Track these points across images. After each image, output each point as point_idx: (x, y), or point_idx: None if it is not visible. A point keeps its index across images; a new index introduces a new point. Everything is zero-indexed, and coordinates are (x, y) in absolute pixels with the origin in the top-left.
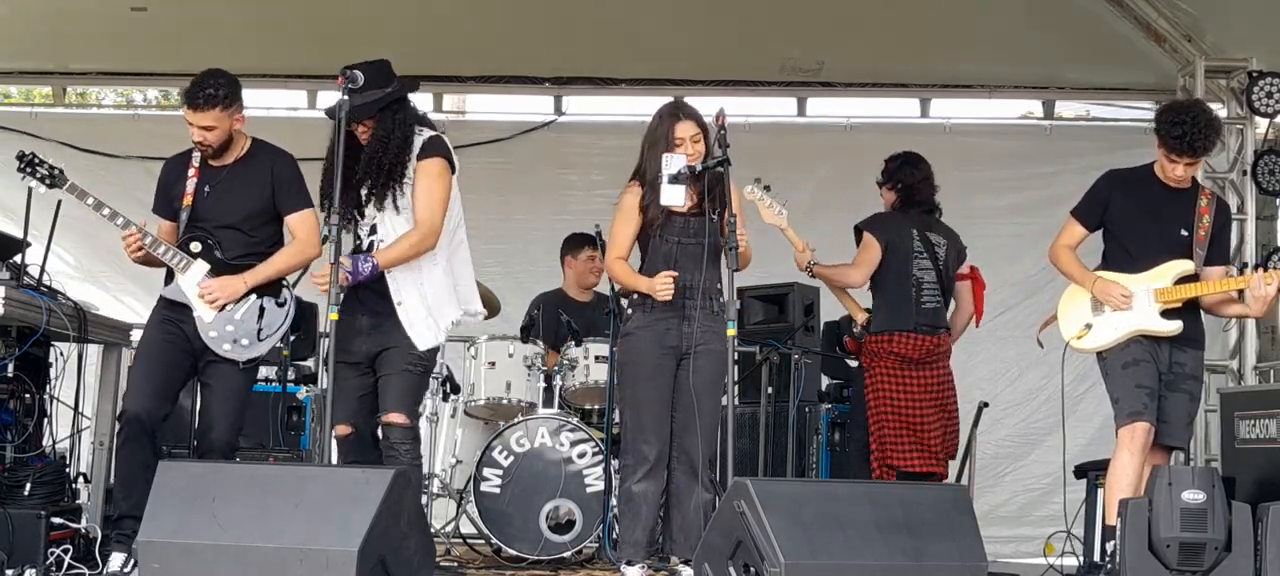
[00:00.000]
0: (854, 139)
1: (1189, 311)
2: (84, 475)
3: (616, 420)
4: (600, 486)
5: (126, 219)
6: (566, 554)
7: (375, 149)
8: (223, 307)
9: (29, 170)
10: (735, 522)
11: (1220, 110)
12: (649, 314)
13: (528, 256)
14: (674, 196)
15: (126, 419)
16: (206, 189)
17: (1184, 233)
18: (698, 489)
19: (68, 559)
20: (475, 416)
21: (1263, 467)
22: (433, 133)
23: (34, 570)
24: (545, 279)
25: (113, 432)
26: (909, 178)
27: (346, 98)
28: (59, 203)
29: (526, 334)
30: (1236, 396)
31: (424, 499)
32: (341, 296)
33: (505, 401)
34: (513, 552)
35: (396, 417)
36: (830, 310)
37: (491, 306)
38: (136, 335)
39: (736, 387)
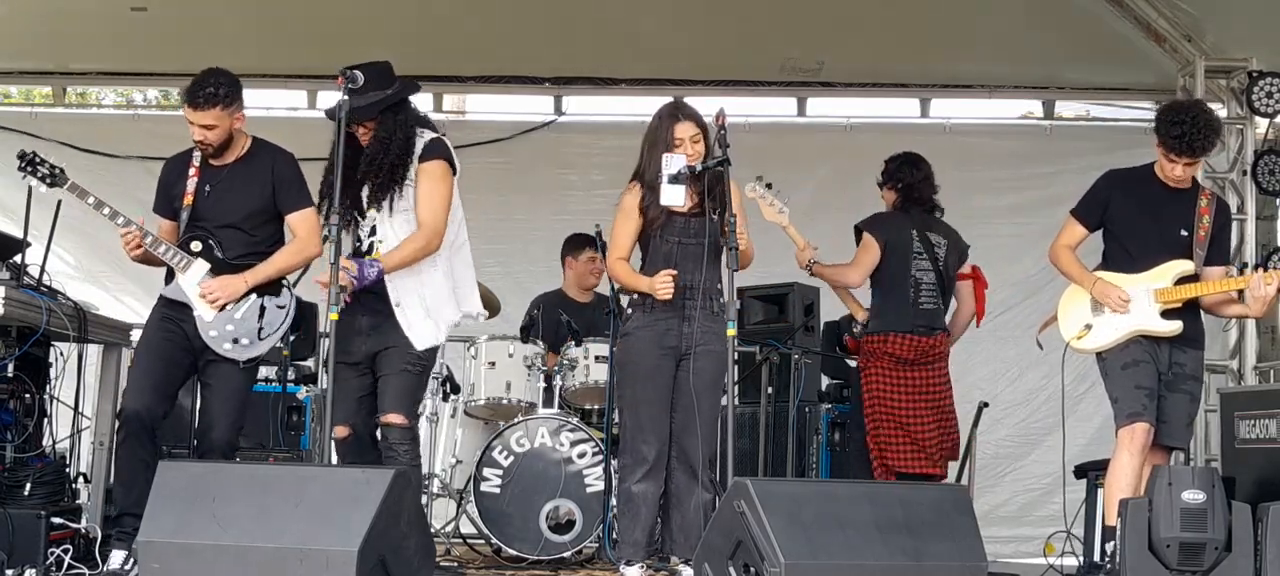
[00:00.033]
0: (854, 139)
1: (1189, 311)
2: (84, 475)
3: (616, 420)
4: (600, 486)
5: (126, 217)
6: (566, 554)
7: (376, 151)
8: (223, 307)
9: (30, 169)
10: (735, 522)
11: (1220, 110)
12: (649, 314)
13: (528, 256)
14: (674, 196)
15: (126, 416)
16: (207, 188)
17: (1184, 233)
18: (698, 489)
19: (68, 559)
20: (475, 416)
21: (1263, 467)
22: (434, 135)
23: (34, 570)
24: (545, 279)
25: (113, 432)
26: (909, 178)
27: (346, 98)
28: (59, 202)
29: (526, 334)
30: (1236, 396)
31: (424, 499)
32: (343, 297)
33: (505, 401)
34: (513, 552)
35: (395, 418)
36: (830, 310)
37: (491, 306)
38: (136, 335)
39: (736, 387)
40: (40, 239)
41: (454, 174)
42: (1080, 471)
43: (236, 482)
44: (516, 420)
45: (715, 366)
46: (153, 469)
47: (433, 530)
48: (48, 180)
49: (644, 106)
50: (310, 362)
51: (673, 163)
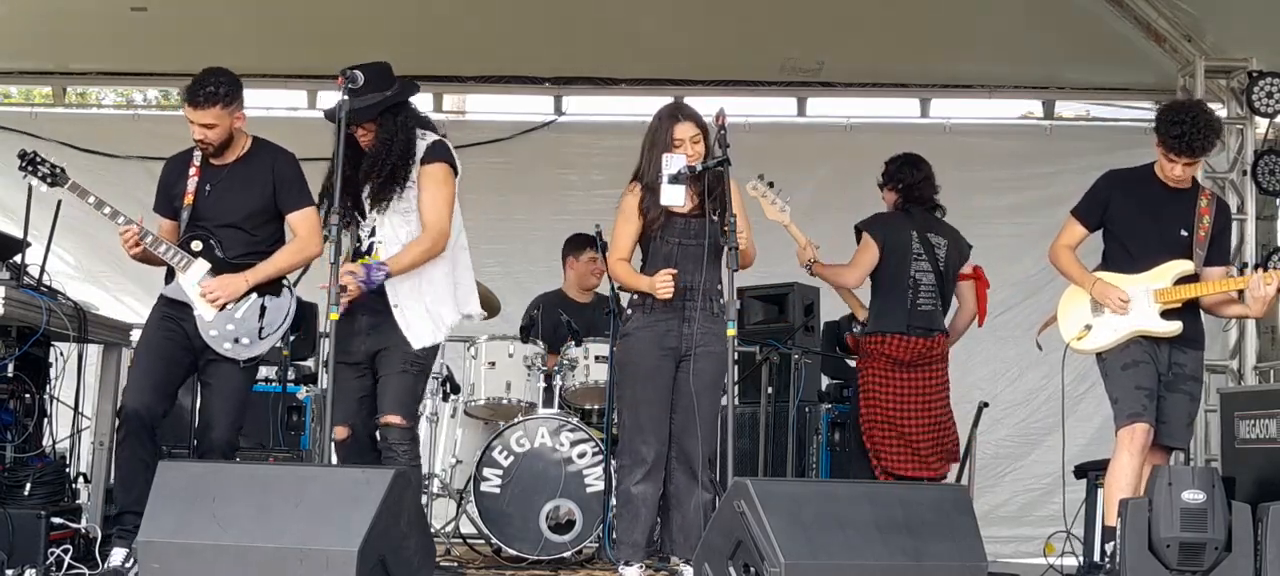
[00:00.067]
0: (854, 139)
1: (1189, 312)
2: (84, 475)
3: (616, 420)
4: (600, 486)
5: (127, 217)
6: (566, 554)
7: (378, 153)
8: (223, 306)
9: (30, 169)
10: (735, 522)
11: (1220, 110)
12: (649, 314)
13: (528, 256)
14: (674, 196)
15: (126, 415)
16: (207, 188)
17: (1184, 233)
18: (698, 489)
19: (68, 559)
20: (475, 416)
21: (1263, 467)
22: (437, 137)
23: (34, 570)
24: (545, 279)
25: (113, 432)
26: (909, 178)
27: (346, 98)
28: (59, 202)
29: (526, 334)
30: (1236, 396)
31: (424, 499)
32: (342, 296)
33: (505, 401)
34: (513, 552)
35: (394, 419)
36: (830, 310)
37: (491, 306)
38: (136, 335)
39: (736, 387)
40: (40, 239)
41: (456, 176)
42: (1080, 471)
43: (236, 482)
44: (516, 420)
45: (715, 367)
46: (153, 468)
47: (433, 530)
48: (48, 180)
49: (644, 106)
50: (310, 362)
51: (672, 163)
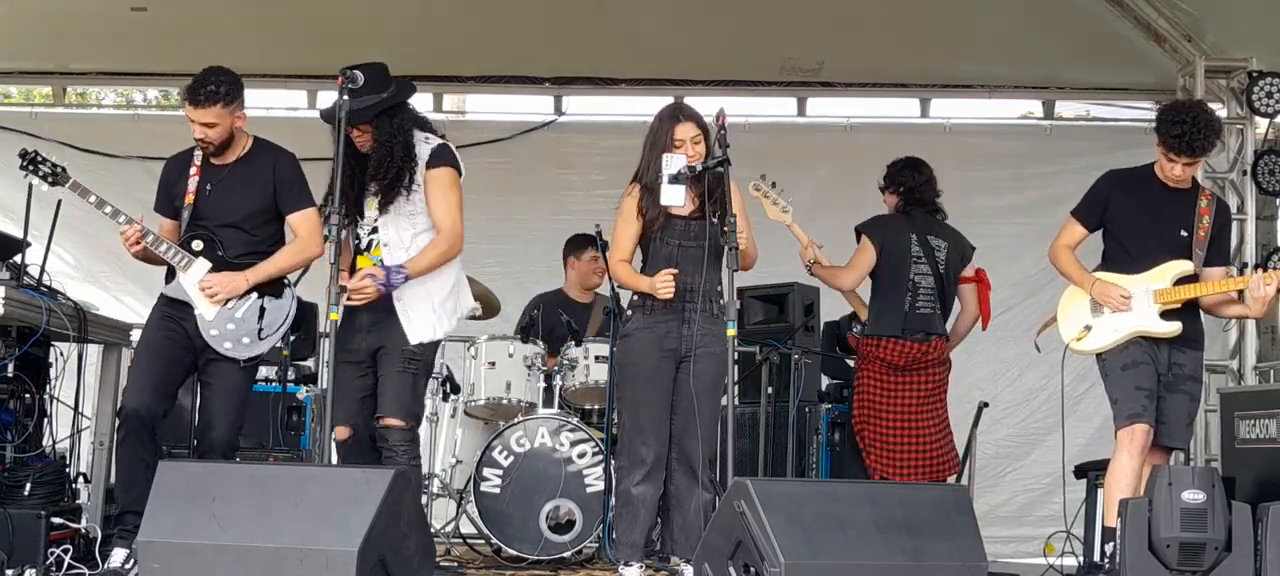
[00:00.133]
0: (854, 139)
1: (1188, 312)
2: (84, 475)
3: (617, 420)
4: (600, 486)
5: (128, 216)
6: (566, 554)
7: (380, 157)
8: (224, 302)
9: (31, 168)
10: (735, 522)
11: (1220, 110)
12: (649, 315)
13: (528, 256)
14: (674, 196)
15: (126, 415)
16: (208, 187)
17: (1184, 233)
18: (698, 490)
19: (68, 559)
20: (475, 416)
21: (1263, 467)
22: (440, 141)
23: (34, 570)
24: (545, 279)
25: (113, 432)
26: (911, 181)
27: (346, 99)
28: (59, 202)
29: (526, 334)
30: (1236, 396)
31: (424, 499)
32: (343, 297)
33: (505, 401)
34: (513, 552)
35: (393, 421)
36: (830, 310)
37: (491, 306)
38: (136, 335)
39: (736, 387)
40: (40, 239)
41: (460, 176)
42: (1080, 471)
43: (236, 482)
44: (516, 420)
45: (715, 368)
46: (153, 467)
47: (433, 530)
48: (49, 179)
49: (644, 106)
50: (310, 362)
51: (672, 163)
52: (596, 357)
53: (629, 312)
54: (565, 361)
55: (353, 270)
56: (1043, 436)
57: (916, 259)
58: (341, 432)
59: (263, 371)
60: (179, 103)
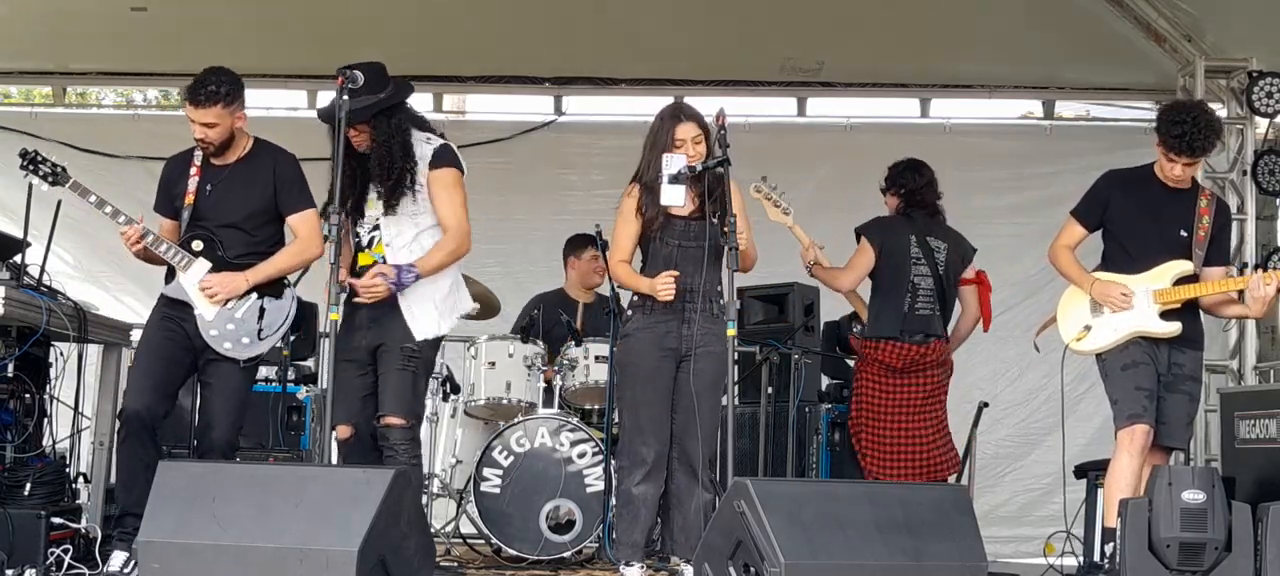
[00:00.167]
0: (854, 139)
1: (1188, 312)
2: (84, 475)
3: (617, 420)
4: (600, 486)
5: (128, 216)
6: (566, 554)
7: (381, 158)
8: (224, 303)
9: (32, 168)
10: (735, 522)
11: (1220, 110)
12: (649, 315)
13: (528, 256)
14: (674, 196)
15: (126, 416)
16: (208, 188)
17: (1183, 233)
18: (698, 489)
19: (68, 559)
20: (475, 416)
21: (1263, 467)
22: (442, 141)
23: (34, 570)
24: (545, 279)
25: (113, 432)
26: (912, 183)
27: (346, 99)
28: (59, 202)
29: (526, 334)
30: (1236, 396)
31: (424, 499)
32: (343, 296)
33: (505, 401)
34: (513, 552)
35: (394, 420)
36: (830, 310)
37: (491, 306)
38: (136, 335)
39: (736, 387)
40: (40, 239)
41: (463, 176)
42: (1080, 471)
43: (236, 482)
44: (516, 420)
45: (715, 367)
46: (153, 469)
47: (433, 530)
48: (50, 179)
49: (644, 106)
50: (310, 362)
51: (672, 163)
52: (596, 358)
53: (629, 313)
54: (565, 361)
55: (353, 268)
56: (1043, 436)
57: (915, 260)
58: (343, 431)
59: (263, 371)
60: (179, 103)
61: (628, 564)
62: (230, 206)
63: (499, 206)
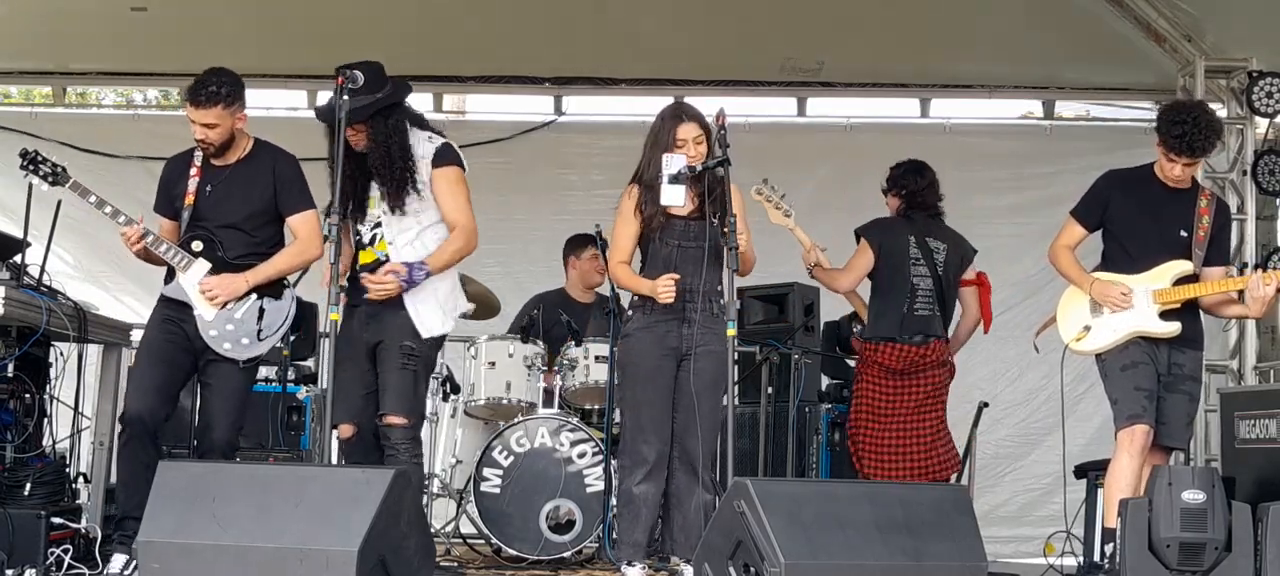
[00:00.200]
0: (854, 139)
1: (1188, 312)
2: (84, 475)
3: (617, 420)
4: (600, 486)
5: (128, 216)
6: (566, 554)
7: (380, 158)
8: (224, 305)
9: (32, 168)
10: (735, 522)
11: (1220, 110)
12: (649, 315)
13: (528, 256)
14: (674, 196)
15: (128, 419)
16: (208, 188)
17: (1183, 233)
18: (698, 489)
19: (68, 559)
20: (475, 416)
21: (1263, 467)
22: (443, 139)
23: (34, 570)
24: (545, 279)
25: (113, 432)
26: (913, 185)
27: (346, 98)
28: (59, 202)
29: (526, 334)
30: (1236, 396)
31: (424, 499)
32: (342, 296)
33: (505, 401)
34: (513, 552)
35: (395, 420)
36: (830, 310)
37: (491, 306)
38: (136, 335)
39: (736, 387)
40: (40, 239)
41: (465, 173)
42: (1080, 471)
43: (236, 482)
44: (516, 420)
45: (716, 367)
46: (155, 471)
47: (433, 530)
48: (50, 178)
49: (644, 106)
50: (310, 362)
51: (673, 163)
52: (596, 358)
53: (629, 313)
54: (565, 361)
55: (353, 267)
56: (1043, 436)
57: (914, 260)
58: (346, 430)
59: (263, 371)
60: (179, 103)
61: (629, 563)
62: (230, 207)
63: (499, 206)
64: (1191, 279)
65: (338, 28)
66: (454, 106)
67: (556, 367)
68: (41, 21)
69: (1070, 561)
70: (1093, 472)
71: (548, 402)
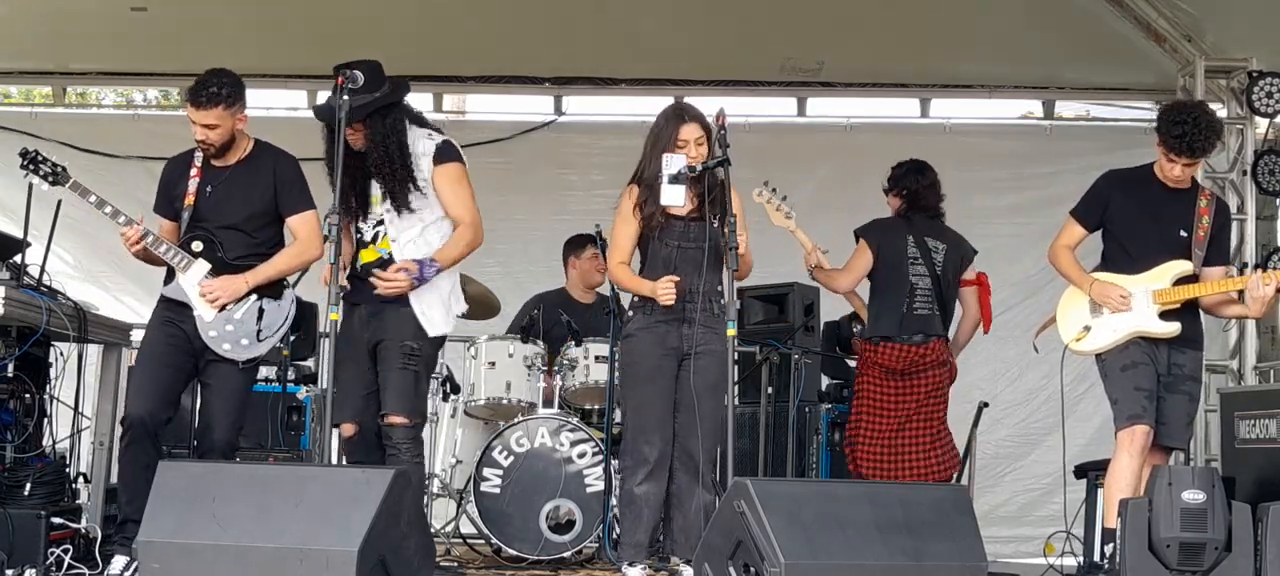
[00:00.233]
0: (854, 139)
1: (1188, 312)
2: (84, 475)
3: (617, 420)
4: (600, 486)
5: (128, 216)
6: (566, 554)
7: (378, 157)
8: (223, 307)
9: (32, 168)
10: (735, 522)
11: (1220, 110)
12: (649, 316)
13: (528, 256)
14: (673, 196)
15: (130, 421)
16: (208, 189)
17: (1183, 233)
18: (699, 490)
19: (68, 559)
20: (475, 416)
21: (1263, 467)
22: (443, 137)
23: (34, 570)
24: (545, 279)
25: (113, 432)
26: (914, 185)
27: (346, 98)
28: (59, 202)
29: (526, 334)
30: (1236, 396)
31: (424, 499)
32: (341, 296)
33: (505, 401)
34: (513, 552)
35: (397, 419)
36: (830, 310)
37: (491, 306)
38: (136, 335)
39: (736, 387)
40: (40, 239)
41: (466, 168)
42: (1080, 471)
43: (236, 482)
44: (516, 420)
45: (717, 367)
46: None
47: (433, 530)
48: (50, 178)
49: (644, 106)
50: (310, 362)
51: (673, 163)
52: (596, 357)
53: (630, 314)
54: (565, 361)
55: (353, 265)
56: (1043, 436)
57: (913, 260)
58: (348, 429)
59: (263, 371)
60: (179, 103)
61: (630, 564)
62: (230, 208)
63: (499, 206)
64: (1191, 279)
65: (338, 28)
66: (454, 106)
67: (556, 368)
68: (41, 21)
69: (1070, 561)
70: (1093, 472)
71: (548, 402)
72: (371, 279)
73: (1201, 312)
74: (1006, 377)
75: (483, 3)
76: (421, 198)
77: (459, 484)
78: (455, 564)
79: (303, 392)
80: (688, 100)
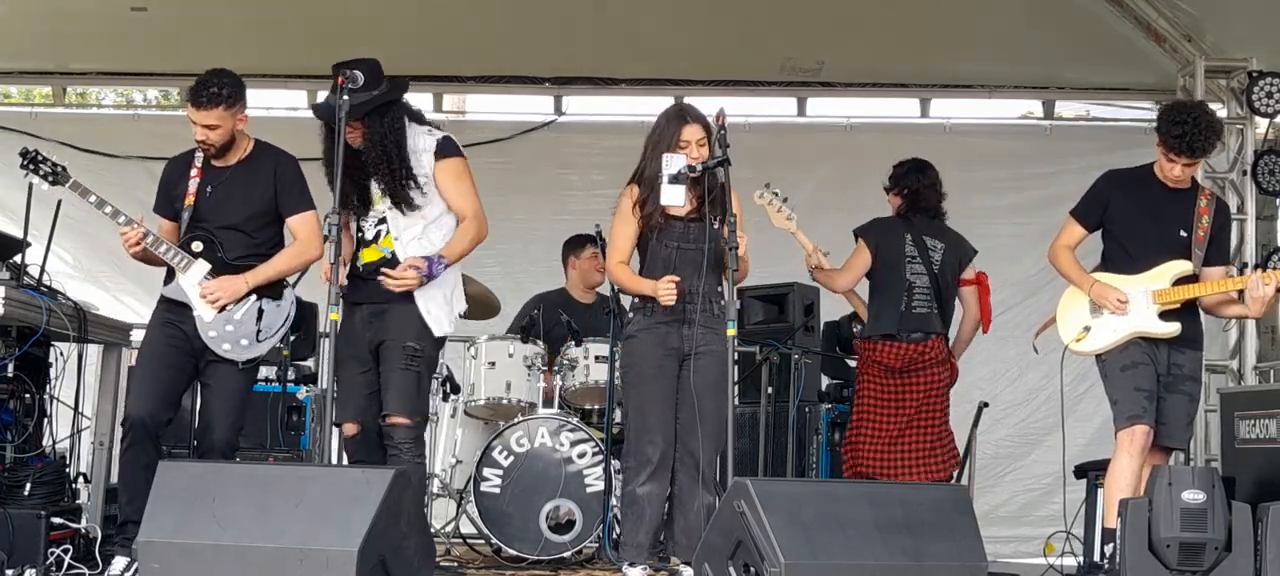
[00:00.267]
0: (854, 139)
1: (1188, 312)
2: (84, 475)
3: (617, 420)
4: (600, 486)
5: (128, 216)
6: (566, 554)
7: (377, 157)
8: (223, 307)
9: (32, 167)
10: (735, 522)
11: (1220, 110)
12: (650, 316)
13: (528, 256)
14: (673, 196)
15: (130, 423)
16: (209, 189)
17: (1183, 233)
18: (700, 491)
19: (68, 559)
20: (475, 416)
21: (1263, 467)
22: (442, 134)
23: (34, 570)
24: (545, 279)
25: (113, 432)
26: (915, 184)
27: (347, 98)
28: (59, 202)
29: (526, 333)
30: (1236, 396)
31: (424, 499)
32: (341, 296)
33: (505, 401)
34: (513, 552)
35: (398, 420)
36: (830, 310)
37: (491, 306)
38: (136, 335)
39: (736, 388)
40: (40, 239)
41: (467, 163)
42: (1080, 471)
43: (236, 482)
44: (516, 420)
45: (718, 367)
46: None
47: (433, 530)
48: (50, 178)
49: (644, 106)
50: (310, 362)
51: (673, 163)
52: (596, 357)
53: (630, 314)
54: (565, 361)
55: (353, 264)
56: (1043, 436)
57: (911, 259)
58: (350, 429)
59: (263, 371)
60: (179, 103)
61: (632, 564)
62: (230, 208)
63: (499, 206)
64: (1191, 279)
65: (337, 28)
66: (454, 106)
67: (556, 368)
68: (41, 21)
69: (1070, 561)
70: (1093, 473)
71: (548, 402)
72: (382, 278)
73: (1201, 313)
74: (1006, 377)
75: (483, 3)
76: (422, 195)
77: (459, 484)
78: (455, 564)
79: (303, 392)
80: (688, 101)
